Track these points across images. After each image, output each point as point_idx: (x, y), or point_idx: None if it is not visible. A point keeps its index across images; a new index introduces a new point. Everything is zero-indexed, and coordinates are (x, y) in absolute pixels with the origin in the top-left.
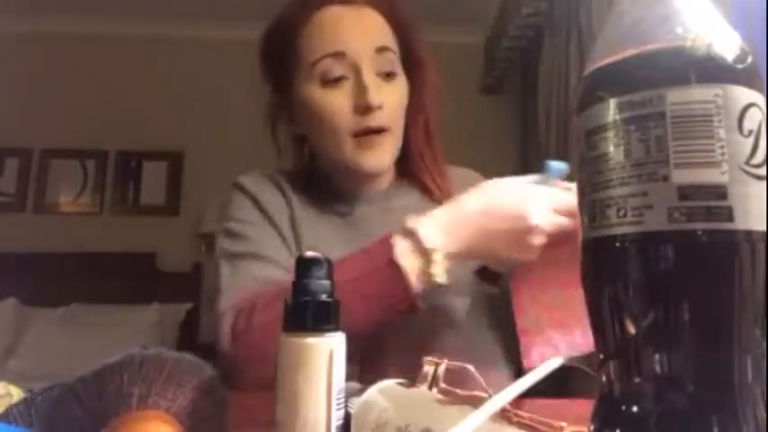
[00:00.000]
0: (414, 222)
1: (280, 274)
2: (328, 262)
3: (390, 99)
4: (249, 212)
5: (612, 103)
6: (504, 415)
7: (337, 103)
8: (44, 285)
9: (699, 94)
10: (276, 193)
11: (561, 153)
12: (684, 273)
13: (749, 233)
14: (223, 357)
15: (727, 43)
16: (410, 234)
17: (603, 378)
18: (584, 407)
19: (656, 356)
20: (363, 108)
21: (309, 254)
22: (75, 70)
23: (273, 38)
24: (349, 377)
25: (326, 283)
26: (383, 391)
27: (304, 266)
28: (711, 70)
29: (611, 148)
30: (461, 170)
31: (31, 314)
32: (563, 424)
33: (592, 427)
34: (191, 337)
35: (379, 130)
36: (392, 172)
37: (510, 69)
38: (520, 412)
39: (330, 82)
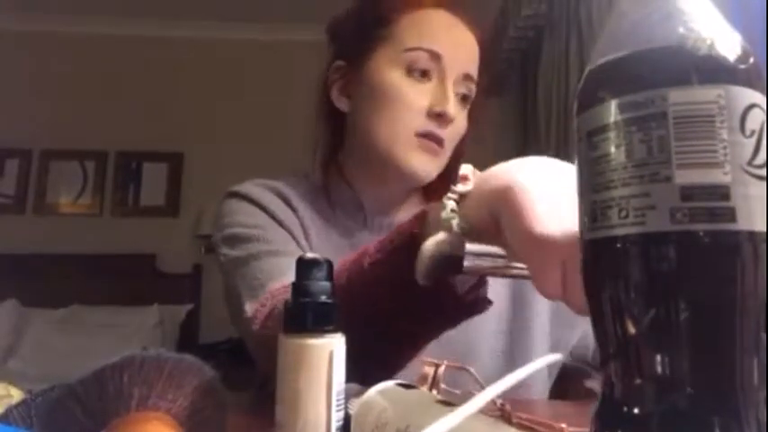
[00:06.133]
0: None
1: None
2: (328, 263)
3: (458, 122)
4: (255, 217)
5: (614, 103)
6: (504, 416)
7: (414, 95)
8: (44, 286)
9: (701, 95)
10: (279, 202)
11: (561, 153)
12: (686, 274)
13: (752, 234)
14: (254, 345)
15: (728, 43)
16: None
17: (605, 379)
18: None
19: (658, 358)
20: (439, 114)
21: (309, 255)
22: (75, 70)
23: (368, 8)
24: (349, 377)
25: (326, 284)
26: (383, 392)
27: (304, 268)
28: (713, 71)
29: (613, 149)
30: None
31: (32, 315)
32: (563, 425)
33: (593, 429)
34: (191, 337)
35: (440, 142)
36: (408, 206)
37: (510, 70)
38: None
39: (416, 73)
